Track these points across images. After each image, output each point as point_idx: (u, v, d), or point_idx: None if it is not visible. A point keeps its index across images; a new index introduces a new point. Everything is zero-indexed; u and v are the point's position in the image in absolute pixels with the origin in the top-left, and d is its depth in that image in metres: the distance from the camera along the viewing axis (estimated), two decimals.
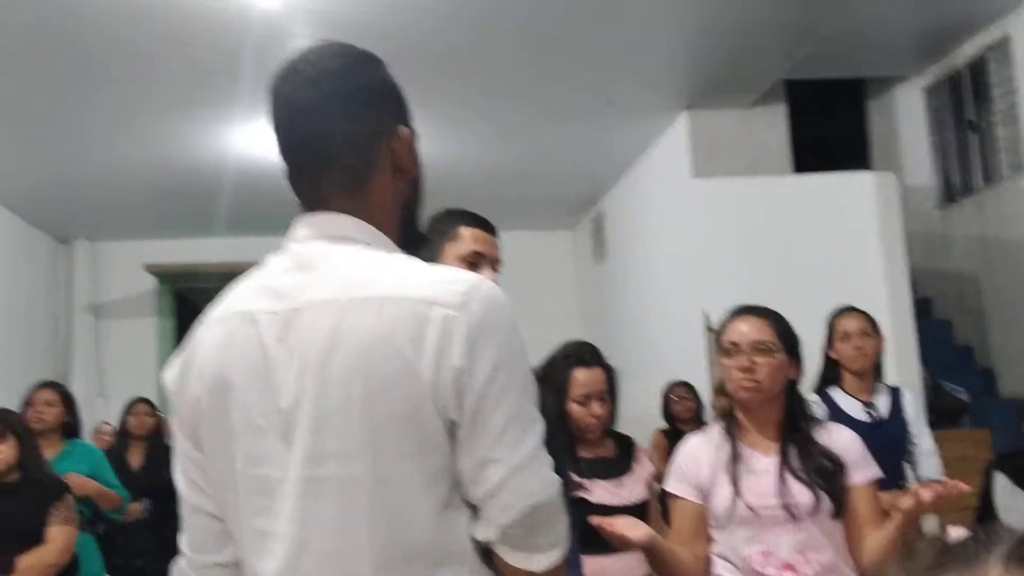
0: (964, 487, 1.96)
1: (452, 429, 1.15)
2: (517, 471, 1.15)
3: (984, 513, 2.64)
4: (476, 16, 5.17)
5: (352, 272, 1.20)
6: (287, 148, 1.29)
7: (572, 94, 6.39)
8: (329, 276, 1.20)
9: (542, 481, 1.18)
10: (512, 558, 1.19)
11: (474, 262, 2.08)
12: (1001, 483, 2.60)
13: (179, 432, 1.30)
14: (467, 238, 2.09)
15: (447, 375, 1.13)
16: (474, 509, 1.19)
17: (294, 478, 1.17)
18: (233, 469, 1.22)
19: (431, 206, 2.29)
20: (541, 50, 5.69)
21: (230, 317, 1.26)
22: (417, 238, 1.38)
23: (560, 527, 1.22)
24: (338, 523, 1.16)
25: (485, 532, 1.18)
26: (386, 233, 1.28)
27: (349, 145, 1.26)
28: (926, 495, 1.97)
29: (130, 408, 5.60)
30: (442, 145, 7.14)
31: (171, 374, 1.32)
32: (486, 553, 1.20)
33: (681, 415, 5.98)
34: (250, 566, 1.24)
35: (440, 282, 1.18)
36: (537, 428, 1.19)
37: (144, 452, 5.40)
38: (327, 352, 1.16)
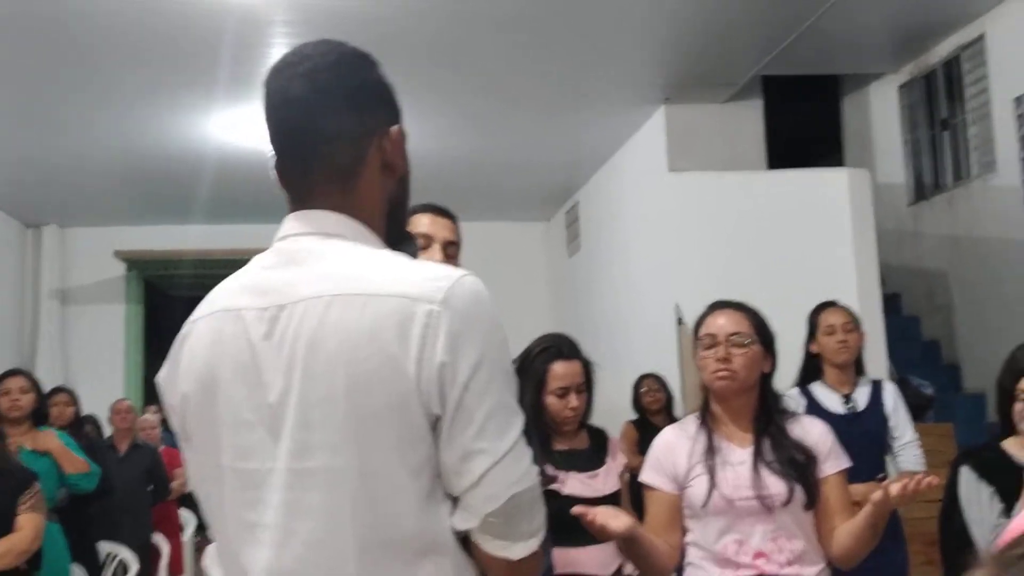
0: (934, 480, 1.99)
1: (435, 423, 1.18)
2: (501, 461, 1.18)
3: (950, 506, 2.68)
4: (454, 7, 5.16)
5: (338, 269, 1.22)
6: (278, 140, 1.30)
7: (549, 87, 6.40)
8: (315, 273, 1.22)
9: (524, 471, 1.21)
10: (492, 546, 1.21)
11: (424, 245, 2.12)
12: (966, 477, 2.64)
13: (175, 428, 1.34)
14: (415, 223, 2.14)
15: (431, 370, 1.15)
16: (454, 501, 1.21)
17: (281, 470, 1.20)
18: (219, 463, 1.25)
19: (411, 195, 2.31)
20: (518, 43, 5.69)
21: (217, 314, 1.27)
22: (403, 235, 1.40)
23: (539, 516, 1.24)
24: (324, 514, 1.18)
25: (466, 522, 1.20)
26: (373, 229, 1.29)
27: (340, 140, 1.27)
28: (894, 489, 2.01)
29: (50, 397, 5.49)
30: (418, 135, 7.06)
31: (161, 373, 1.35)
32: (464, 544, 1.23)
33: (651, 407, 6.02)
34: (237, 557, 1.25)
35: (424, 278, 1.20)
36: (518, 420, 1.22)
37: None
38: (313, 347, 1.18)
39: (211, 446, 1.25)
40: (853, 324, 3.62)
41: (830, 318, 3.61)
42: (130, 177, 7.77)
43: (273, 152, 1.31)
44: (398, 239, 1.36)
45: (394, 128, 1.32)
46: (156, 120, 6.55)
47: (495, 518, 1.19)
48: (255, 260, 1.30)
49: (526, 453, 1.22)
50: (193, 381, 1.26)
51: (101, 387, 8.00)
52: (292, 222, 1.29)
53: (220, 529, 1.28)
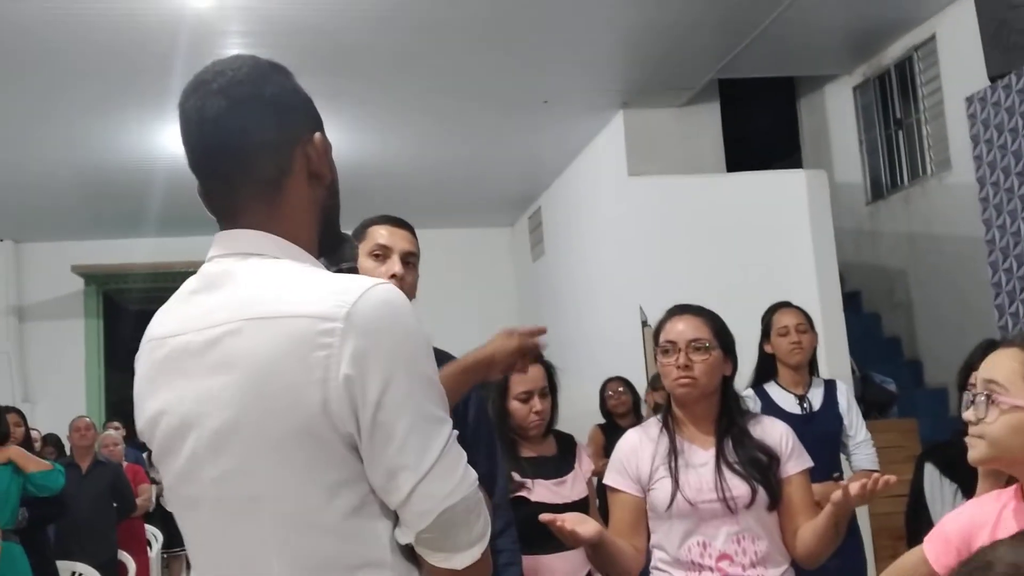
0: (892, 479, 2.01)
1: (353, 442, 1.16)
2: (427, 477, 1.15)
3: (915, 502, 2.70)
4: (412, 16, 5.15)
5: (249, 292, 1.20)
6: (199, 161, 1.27)
7: (509, 93, 6.40)
8: (229, 297, 1.21)
9: (455, 482, 1.18)
10: (433, 559, 1.21)
11: (379, 254, 2.12)
12: (929, 473, 2.67)
13: None
14: (372, 235, 2.15)
15: (337, 390, 1.13)
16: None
17: (206, 497, 1.21)
18: (168, 486, 1.28)
19: (369, 204, 2.31)
20: (479, 50, 5.69)
21: (149, 343, 1.29)
22: (337, 242, 1.38)
23: (480, 524, 1.22)
24: (246, 540, 1.18)
25: (405, 537, 1.19)
26: (304, 240, 1.27)
27: (262, 152, 1.24)
28: (854, 489, 2.02)
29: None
30: (380, 143, 7.10)
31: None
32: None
33: (617, 410, 6.02)
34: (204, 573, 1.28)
35: (329, 294, 1.16)
36: (443, 429, 1.19)
37: None
38: (223, 375, 1.18)
39: (162, 470, 1.28)
40: (806, 325, 3.64)
41: (783, 319, 3.63)
42: (85, 191, 7.67)
43: (196, 175, 1.28)
44: (332, 246, 1.35)
45: (317, 135, 1.29)
46: (109, 133, 6.47)
47: (429, 533, 1.17)
48: (185, 284, 1.30)
49: (458, 462, 1.19)
50: (140, 409, 1.29)
51: (61, 404, 7.89)
52: (218, 243, 1.28)
53: (187, 545, 1.32)
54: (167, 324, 1.27)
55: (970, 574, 0.69)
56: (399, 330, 1.17)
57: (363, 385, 1.13)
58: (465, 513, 1.19)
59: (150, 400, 1.26)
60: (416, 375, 1.17)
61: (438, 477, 1.16)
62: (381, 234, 2.15)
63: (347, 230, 2.14)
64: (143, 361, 1.29)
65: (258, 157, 1.24)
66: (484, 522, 1.23)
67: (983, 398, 1.56)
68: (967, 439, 1.61)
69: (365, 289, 1.17)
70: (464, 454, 1.22)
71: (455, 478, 1.18)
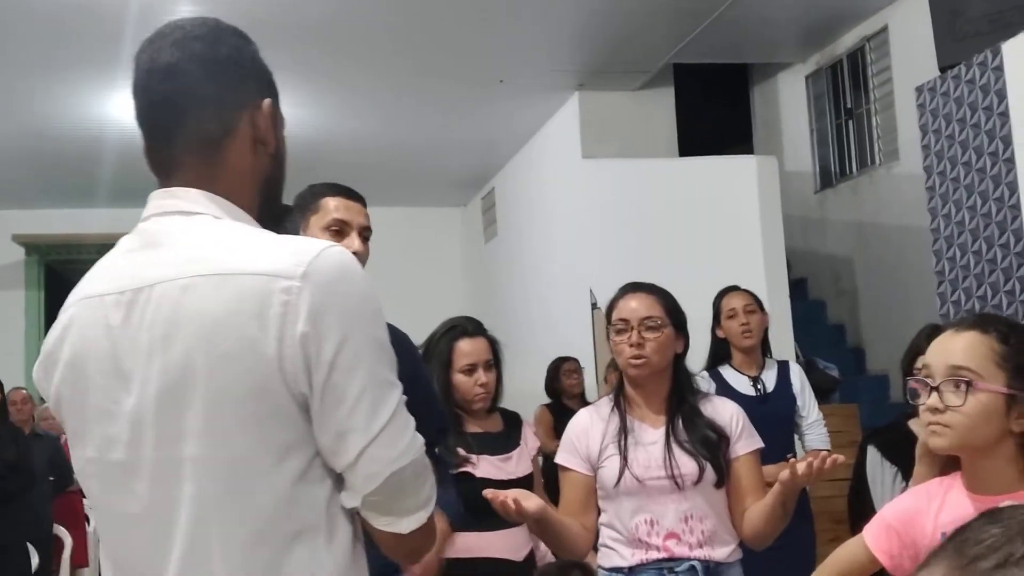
0: (839, 459, 2.02)
1: (304, 402, 1.14)
2: (377, 439, 1.15)
3: (858, 485, 2.74)
4: None
5: (195, 250, 1.18)
6: (144, 110, 1.26)
7: (465, 72, 6.36)
8: (172, 254, 1.18)
9: (404, 447, 1.18)
10: (379, 523, 1.20)
11: (338, 230, 2.08)
12: (871, 456, 2.70)
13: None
14: (329, 208, 2.09)
15: (293, 349, 1.12)
16: (340, 477, 1.19)
17: (147, 460, 1.17)
18: (88, 456, 1.22)
19: (317, 178, 2.26)
20: (433, 28, 5.64)
21: (80, 302, 1.24)
22: (279, 213, 1.37)
23: (426, 488, 1.22)
24: (189, 504, 1.15)
25: (351, 500, 1.18)
26: (242, 205, 1.25)
27: (207, 106, 1.23)
28: (800, 468, 2.04)
29: None
30: (333, 119, 7.02)
31: (36, 367, 1.30)
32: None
33: (572, 390, 6.03)
34: (114, 551, 1.24)
35: (284, 254, 1.15)
36: (394, 393, 1.19)
37: None
38: (169, 333, 1.14)
39: (80, 439, 1.23)
40: (755, 305, 3.68)
41: (732, 302, 3.68)
42: (28, 159, 7.49)
43: (140, 126, 1.27)
44: (273, 216, 1.33)
45: (266, 102, 1.28)
46: (55, 100, 6.32)
47: (376, 496, 1.17)
48: (120, 243, 1.26)
49: (406, 427, 1.19)
50: (63, 373, 1.23)
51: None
52: (155, 201, 1.25)
53: (99, 522, 1.27)
54: (103, 283, 1.23)
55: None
56: (355, 291, 1.17)
57: (318, 343, 1.12)
58: (413, 477, 1.19)
59: (82, 362, 1.21)
60: (370, 337, 1.17)
61: (387, 440, 1.16)
62: (337, 207, 2.10)
63: (291, 199, 2.10)
64: (74, 321, 1.24)
65: (200, 113, 1.23)
66: (431, 487, 1.23)
67: (963, 385, 1.50)
68: (929, 427, 1.55)
69: (321, 249, 1.17)
70: (412, 419, 1.21)
71: (404, 442, 1.18)
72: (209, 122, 1.23)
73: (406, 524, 1.20)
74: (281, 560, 1.14)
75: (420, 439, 1.21)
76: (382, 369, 1.18)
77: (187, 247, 1.18)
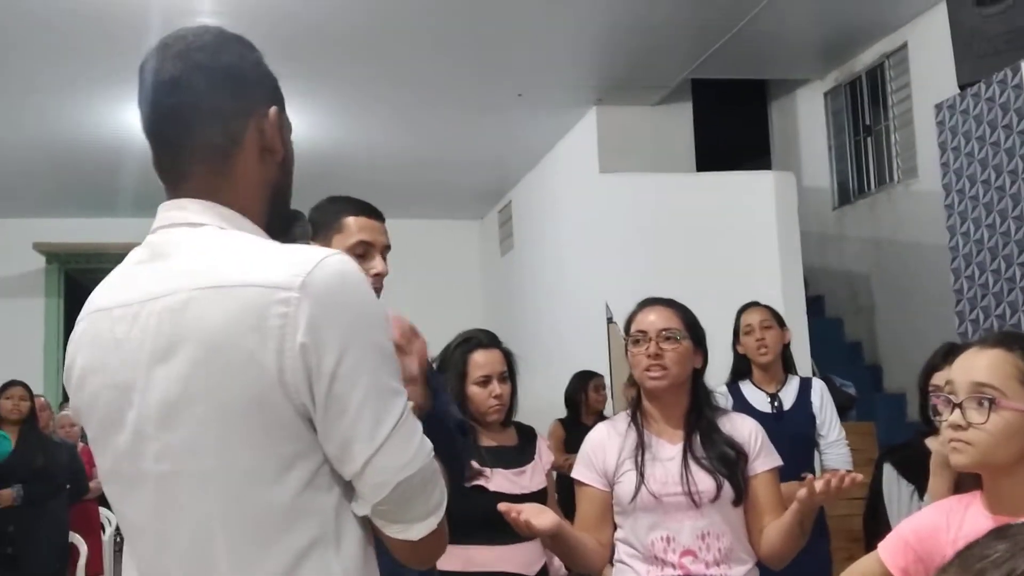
0: (858, 477, 2.01)
1: (308, 413, 1.14)
2: (383, 448, 1.14)
3: (874, 503, 2.72)
4: (389, 4, 5.12)
5: (199, 261, 1.18)
6: (150, 124, 1.26)
7: (483, 86, 6.38)
8: (177, 267, 1.19)
9: (411, 455, 1.17)
10: (390, 531, 1.20)
11: (362, 253, 2.05)
12: (887, 474, 2.69)
13: None
14: (353, 228, 2.06)
15: (293, 359, 1.11)
16: (350, 483, 1.19)
17: (150, 473, 1.18)
18: (104, 467, 1.24)
19: (336, 191, 2.26)
20: (453, 41, 5.67)
21: (91, 315, 1.26)
22: (287, 221, 1.37)
23: (436, 494, 1.22)
24: (193, 517, 1.16)
25: (361, 509, 1.18)
26: (251, 214, 1.25)
27: (213, 118, 1.23)
28: (818, 486, 2.03)
29: (4, 391, 5.38)
30: (352, 131, 7.06)
31: (64, 378, 1.32)
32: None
33: (596, 405, 6.01)
34: (139, 559, 1.25)
35: (284, 264, 1.15)
36: (399, 401, 1.18)
37: (17, 437, 5.21)
38: (171, 345, 1.15)
39: (99, 449, 1.24)
40: (771, 321, 3.66)
41: (749, 317, 3.67)
42: (51, 168, 7.55)
43: (148, 139, 1.27)
44: (282, 225, 1.33)
45: (272, 109, 1.27)
46: (79, 110, 6.37)
47: (386, 505, 1.17)
48: (130, 255, 1.27)
49: (413, 434, 1.19)
50: (77, 385, 1.25)
51: None
52: (163, 213, 1.26)
53: (121, 528, 1.29)
54: (112, 295, 1.24)
55: None
56: (355, 300, 1.16)
57: (318, 355, 1.11)
58: (421, 485, 1.18)
59: (91, 375, 1.22)
60: (371, 346, 1.16)
61: (393, 449, 1.15)
62: (362, 228, 2.06)
63: (308, 210, 2.08)
64: (86, 334, 1.25)
65: (207, 123, 1.23)
66: (440, 493, 1.23)
67: (986, 403, 1.48)
68: (951, 444, 1.53)
69: (320, 259, 1.16)
70: (420, 425, 1.21)
71: (410, 450, 1.17)
72: (216, 134, 1.23)
73: (416, 531, 1.20)
74: (290, 571, 1.14)
75: (428, 445, 1.21)
76: (385, 377, 1.17)
77: (190, 259, 1.19)
